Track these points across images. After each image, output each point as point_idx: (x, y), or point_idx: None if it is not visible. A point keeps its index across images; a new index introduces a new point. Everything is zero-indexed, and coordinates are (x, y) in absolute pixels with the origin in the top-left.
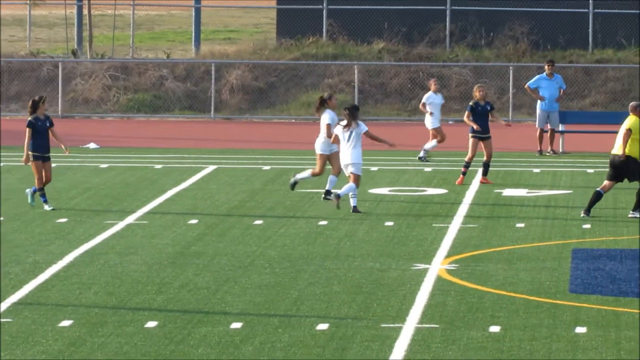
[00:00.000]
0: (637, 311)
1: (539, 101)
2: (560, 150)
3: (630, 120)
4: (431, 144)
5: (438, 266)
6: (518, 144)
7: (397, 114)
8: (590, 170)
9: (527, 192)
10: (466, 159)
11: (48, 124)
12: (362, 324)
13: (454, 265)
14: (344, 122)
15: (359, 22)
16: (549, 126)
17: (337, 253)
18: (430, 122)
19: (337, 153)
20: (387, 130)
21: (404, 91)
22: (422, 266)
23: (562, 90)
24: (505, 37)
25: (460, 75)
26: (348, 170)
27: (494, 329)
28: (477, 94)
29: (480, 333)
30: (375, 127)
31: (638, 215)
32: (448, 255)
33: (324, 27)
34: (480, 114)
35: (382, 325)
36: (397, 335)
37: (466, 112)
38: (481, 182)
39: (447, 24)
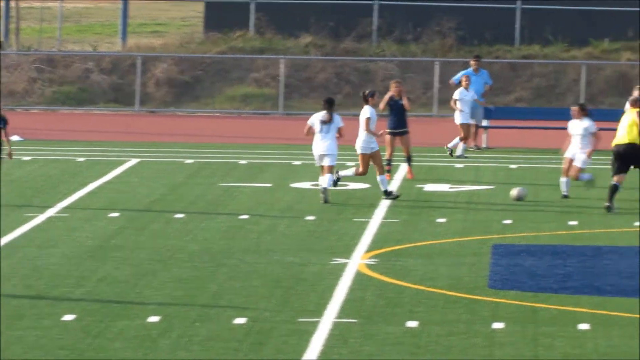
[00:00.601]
0: (554, 307)
1: None
2: (484, 146)
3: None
4: (454, 141)
5: (358, 261)
6: (442, 139)
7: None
8: (513, 166)
9: (449, 188)
10: (386, 156)
11: (2, 125)
12: (280, 319)
13: (374, 260)
14: (325, 116)
15: (287, 16)
16: (472, 121)
17: (258, 247)
18: (459, 118)
19: (379, 151)
20: None
21: (330, 85)
22: (342, 261)
23: (487, 85)
24: (432, 32)
25: (387, 70)
26: (323, 161)
27: (412, 324)
28: (393, 89)
29: (398, 328)
30: (300, 121)
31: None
32: (368, 250)
33: (251, 20)
34: (396, 110)
35: (300, 320)
36: (315, 329)
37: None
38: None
39: (374, 18)
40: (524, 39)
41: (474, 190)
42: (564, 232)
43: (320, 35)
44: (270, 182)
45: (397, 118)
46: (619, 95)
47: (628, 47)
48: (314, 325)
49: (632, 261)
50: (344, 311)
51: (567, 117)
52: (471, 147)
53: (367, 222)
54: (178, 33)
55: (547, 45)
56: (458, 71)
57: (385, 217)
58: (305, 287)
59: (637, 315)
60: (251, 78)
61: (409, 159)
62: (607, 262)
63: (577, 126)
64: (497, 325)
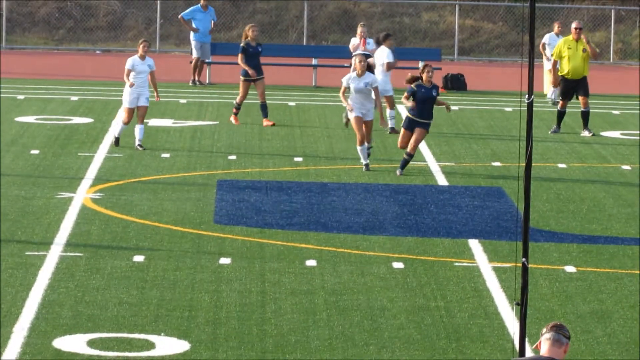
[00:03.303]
0: (281, 243)
1: (192, 32)
2: (207, 82)
3: None
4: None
5: (83, 195)
6: (166, 75)
7: (44, 43)
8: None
9: (173, 123)
10: (237, 100)
11: None
12: (7, 252)
13: (99, 194)
14: None
15: None
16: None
17: None
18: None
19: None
20: (34, 59)
21: (51, 20)
22: (67, 195)
23: (213, 22)
24: None
25: (109, 6)
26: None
27: (138, 258)
28: (249, 33)
29: (124, 262)
30: (22, 56)
31: None
32: (93, 185)
33: None
34: (253, 55)
35: (27, 253)
36: (42, 263)
37: (239, 55)
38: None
39: None
40: None
41: (198, 125)
42: (290, 169)
43: None
44: None
45: (255, 64)
46: (341, 32)
47: None
48: (41, 258)
49: (358, 198)
50: (70, 245)
51: (289, 53)
52: (195, 83)
53: (91, 157)
54: None
55: None
56: (180, 7)
57: (109, 152)
58: (31, 221)
59: (364, 252)
60: None
61: (264, 106)
62: (333, 198)
63: None
64: (224, 261)
